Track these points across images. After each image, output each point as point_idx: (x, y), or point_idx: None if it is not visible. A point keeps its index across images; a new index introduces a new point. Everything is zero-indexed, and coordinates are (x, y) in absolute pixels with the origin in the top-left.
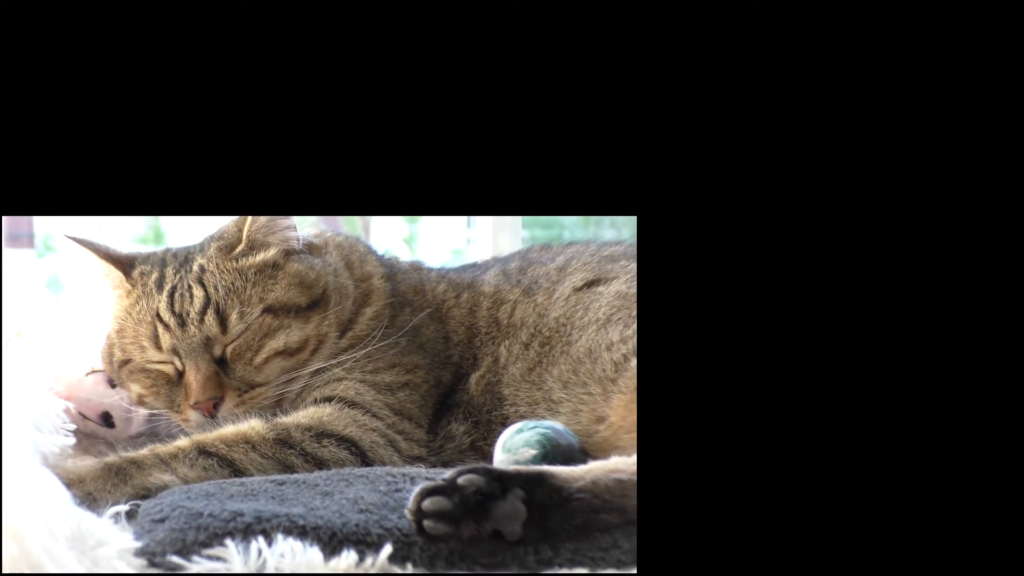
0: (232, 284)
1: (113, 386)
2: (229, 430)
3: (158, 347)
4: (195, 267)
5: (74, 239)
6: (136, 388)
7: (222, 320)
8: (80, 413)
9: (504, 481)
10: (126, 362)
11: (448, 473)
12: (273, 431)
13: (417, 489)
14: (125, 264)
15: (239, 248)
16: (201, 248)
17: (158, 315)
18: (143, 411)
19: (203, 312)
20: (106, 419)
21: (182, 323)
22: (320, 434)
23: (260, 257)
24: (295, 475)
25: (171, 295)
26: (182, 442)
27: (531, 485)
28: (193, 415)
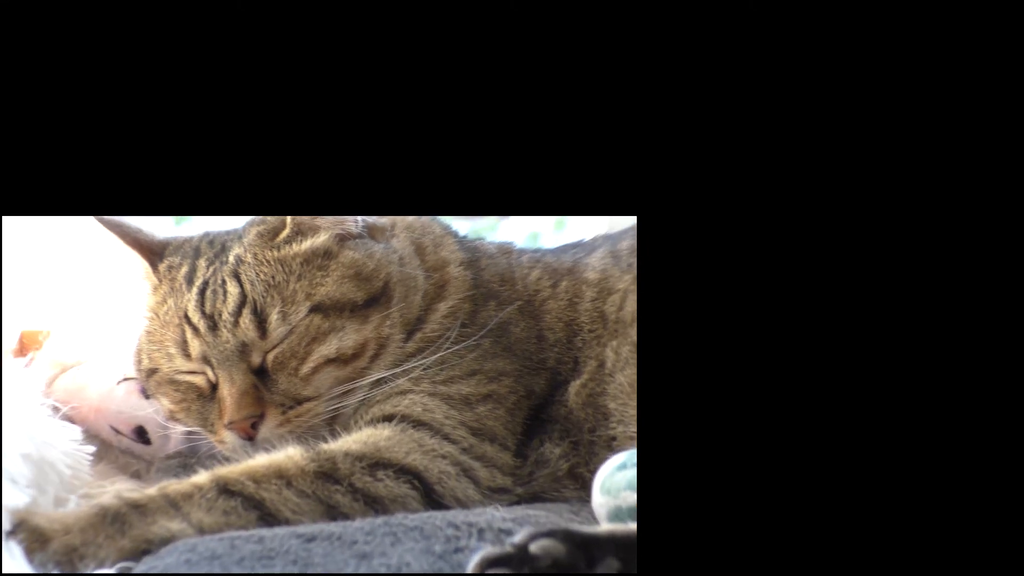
0: (273, 278)
1: (148, 396)
2: (260, 462)
3: (187, 355)
4: (231, 258)
5: (101, 220)
6: (166, 402)
7: (260, 322)
8: (112, 427)
9: (592, 549)
10: (153, 371)
11: (519, 535)
12: (315, 462)
13: (476, 558)
14: (154, 252)
15: (283, 233)
16: (240, 234)
17: (186, 317)
18: (180, 427)
19: (237, 312)
20: (140, 434)
21: (213, 326)
22: (375, 464)
23: (308, 244)
24: (330, 527)
25: (201, 292)
26: (200, 478)
27: (630, 554)
28: (228, 436)
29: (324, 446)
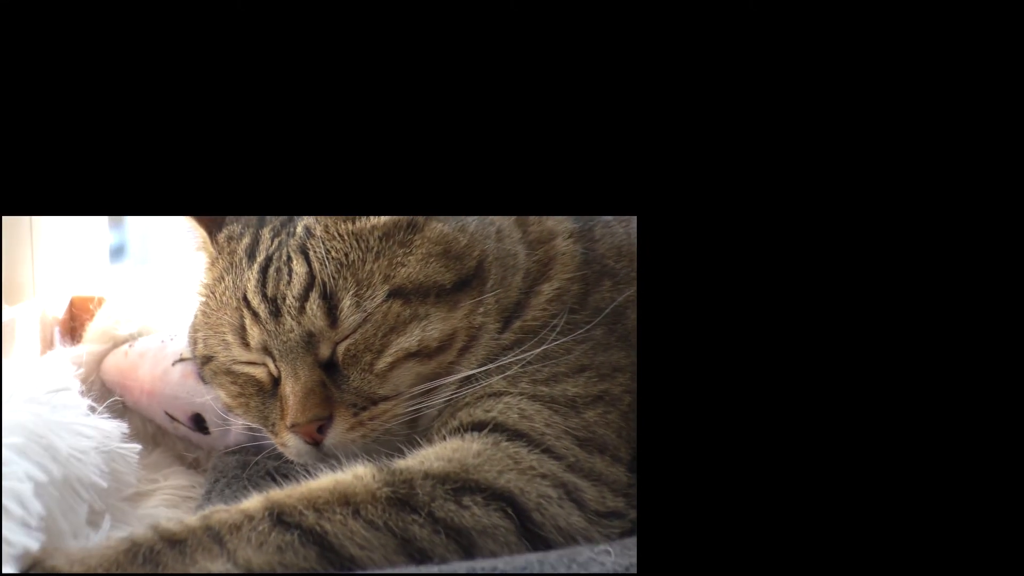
0: (346, 256)
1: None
2: (322, 484)
3: (245, 344)
4: (299, 229)
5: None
6: (222, 394)
7: (331, 308)
8: (167, 413)
9: None
10: (209, 359)
11: None
12: (388, 486)
13: None
14: (212, 220)
15: None
16: None
17: (245, 299)
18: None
19: (304, 296)
20: (198, 423)
21: (276, 312)
22: (461, 487)
23: (389, 217)
24: None
25: (263, 270)
26: (251, 504)
27: None
28: (291, 440)
29: (399, 464)
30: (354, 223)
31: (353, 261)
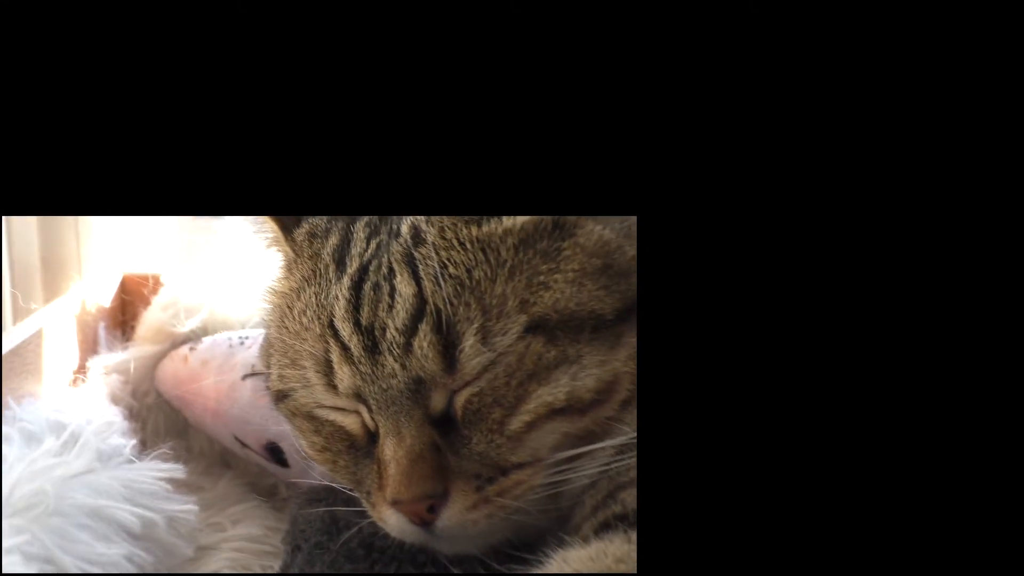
0: (469, 272)
1: None
2: None
3: (331, 385)
4: (403, 229)
5: None
6: (303, 444)
7: (447, 345)
8: (236, 438)
9: None
10: (284, 396)
11: None
12: None
13: None
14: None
15: None
16: None
17: (332, 325)
18: None
19: (411, 327)
20: (274, 453)
21: (373, 346)
22: None
23: (527, 216)
24: None
25: (356, 286)
26: None
27: None
28: (392, 518)
29: None
30: (480, 226)
31: (479, 280)
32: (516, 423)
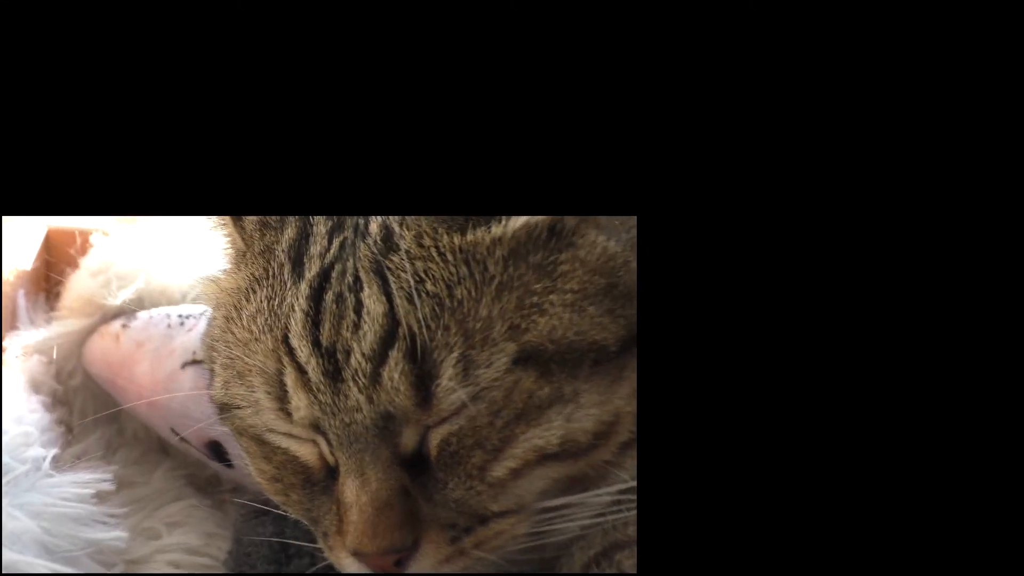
0: (449, 289)
1: None
2: None
3: (284, 411)
4: (372, 228)
5: None
6: (251, 467)
7: (422, 376)
8: (173, 431)
9: None
10: (228, 407)
11: None
12: None
13: None
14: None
15: None
16: None
17: (286, 341)
18: None
19: (380, 353)
20: (217, 452)
21: (334, 372)
22: None
23: (521, 220)
24: None
25: (316, 295)
26: None
27: None
28: (352, 566)
29: None
30: (463, 234)
31: (461, 299)
32: (500, 469)
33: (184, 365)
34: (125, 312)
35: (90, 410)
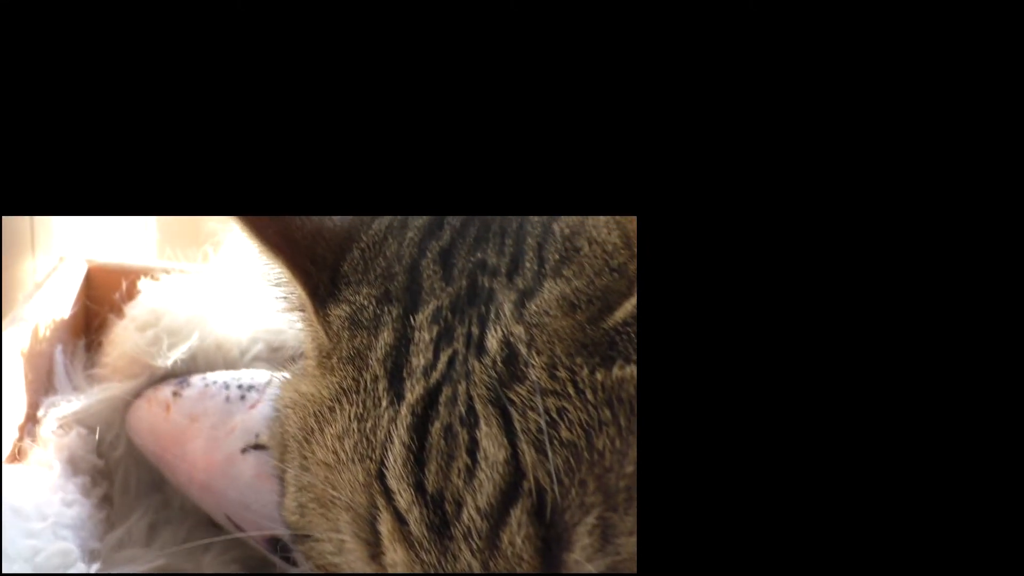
0: (588, 436)
1: None
2: None
3: (376, 562)
4: (492, 346)
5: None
6: None
7: (551, 541)
8: (229, 518)
9: None
10: (303, 534)
11: None
12: None
13: None
14: (320, 266)
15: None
16: (516, 266)
17: (381, 478)
18: None
19: (500, 509)
20: (280, 548)
21: (441, 525)
22: None
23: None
24: None
25: (420, 424)
26: None
27: None
28: None
29: None
30: (609, 369)
31: (603, 451)
32: None
33: (245, 449)
34: (176, 374)
35: (132, 483)
